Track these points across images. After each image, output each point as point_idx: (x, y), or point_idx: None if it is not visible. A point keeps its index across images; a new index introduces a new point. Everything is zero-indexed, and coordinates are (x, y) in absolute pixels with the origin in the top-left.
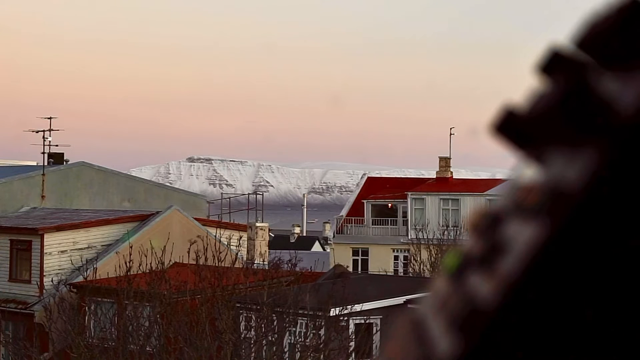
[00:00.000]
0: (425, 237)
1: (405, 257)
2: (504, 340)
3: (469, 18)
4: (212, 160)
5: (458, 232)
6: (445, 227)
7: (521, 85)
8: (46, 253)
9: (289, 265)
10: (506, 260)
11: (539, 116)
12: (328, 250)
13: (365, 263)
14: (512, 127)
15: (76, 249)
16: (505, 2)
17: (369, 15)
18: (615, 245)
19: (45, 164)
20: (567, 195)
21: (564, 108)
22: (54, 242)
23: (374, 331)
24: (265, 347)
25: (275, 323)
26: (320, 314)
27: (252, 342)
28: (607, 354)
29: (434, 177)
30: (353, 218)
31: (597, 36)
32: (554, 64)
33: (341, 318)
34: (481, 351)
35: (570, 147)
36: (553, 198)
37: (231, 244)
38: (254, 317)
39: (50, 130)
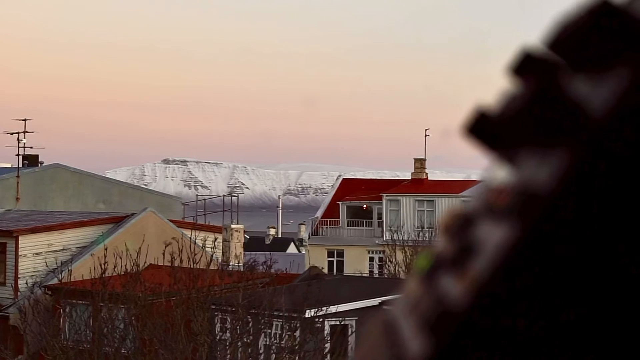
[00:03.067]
0: (400, 238)
1: (380, 259)
2: (474, 341)
3: (441, 21)
4: (187, 162)
5: (433, 234)
6: (420, 229)
7: (494, 87)
8: (21, 255)
9: (264, 267)
10: (477, 262)
11: (510, 118)
12: (303, 252)
13: (340, 264)
14: (483, 128)
15: (51, 251)
16: (478, 5)
17: (342, 20)
18: (584, 246)
19: (20, 166)
20: (537, 197)
21: (535, 110)
22: (28, 244)
23: (349, 333)
24: (240, 349)
25: (250, 325)
26: (295, 315)
27: (228, 344)
28: (578, 353)
29: (409, 178)
30: (328, 219)
31: (568, 38)
32: (526, 66)
33: (316, 319)
34: (451, 352)
35: (541, 148)
36: (523, 199)
37: (206, 245)
38: (229, 318)
39: (25, 132)
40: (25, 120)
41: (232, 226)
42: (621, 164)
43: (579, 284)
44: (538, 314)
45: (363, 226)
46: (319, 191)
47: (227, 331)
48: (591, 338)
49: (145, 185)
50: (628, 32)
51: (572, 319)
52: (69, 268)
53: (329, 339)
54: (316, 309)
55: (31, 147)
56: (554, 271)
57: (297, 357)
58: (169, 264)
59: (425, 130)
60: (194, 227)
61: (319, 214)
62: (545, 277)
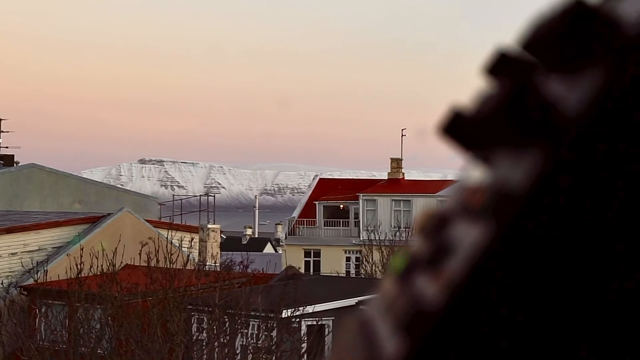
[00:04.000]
0: (377, 238)
1: (357, 259)
2: (449, 341)
3: (418, 22)
4: (164, 161)
5: (410, 233)
6: (396, 228)
7: (470, 87)
8: None
9: (241, 267)
10: (452, 262)
11: (485, 118)
12: (280, 252)
13: (317, 264)
14: (458, 128)
15: (27, 251)
16: (453, 6)
17: (319, 20)
18: (559, 246)
19: None
20: (511, 197)
21: (509, 109)
22: (4, 244)
23: (326, 333)
24: (217, 349)
25: (227, 325)
26: (272, 315)
27: (204, 344)
28: (550, 353)
29: (386, 178)
30: (305, 219)
31: (542, 37)
32: (500, 66)
33: (293, 320)
34: (426, 352)
35: (516, 148)
36: (498, 199)
37: (183, 245)
38: (205, 319)
39: (0, 132)
40: (0, 120)
41: (209, 226)
42: (596, 164)
43: (553, 284)
44: (513, 314)
45: (340, 226)
46: (296, 191)
47: (204, 331)
48: (567, 338)
49: (122, 185)
50: (602, 31)
51: (547, 319)
52: (45, 268)
53: (305, 339)
54: (293, 309)
55: (6, 147)
56: (528, 271)
57: (273, 357)
58: (146, 264)
59: (402, 130)
60: (171, 227)
61: (296, 213)
62: (519, 277)
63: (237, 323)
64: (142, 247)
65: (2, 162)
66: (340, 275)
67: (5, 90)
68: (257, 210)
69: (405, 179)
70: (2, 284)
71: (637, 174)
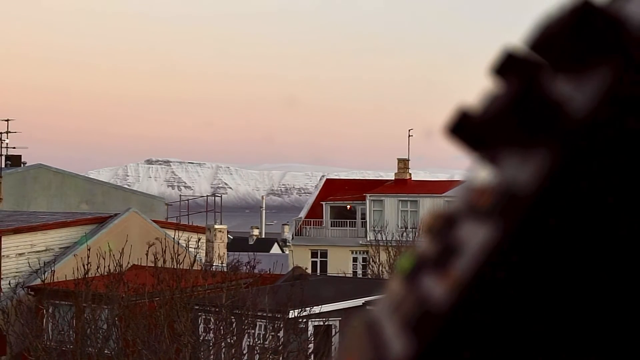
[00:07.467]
0: (384, 238)
1: (364, 259)
2: (456, 341)
3: (424, 22)
4: (171, 162)
5: (417, 234)
6: (403, 229)
7: (477, 87)
8: (4, 256)
9: (248, 267)
10: (459, 262)
11: (492, 118)
12: (287, 252)
13: (324, 265)
14: (465, 129)
15: (34, 252)
16: (461, 5)
17: (325, 22)
18: (566, 246)
19: (3, 166)
20: (518, 198)
21: (516, 110)
22: (11, 244)
23: (333, 333)
24: (224, 350)
25: (234, 325)
26: (279, 316)
27: (211, 344)
28: (557, 353)
29: (393, 178)
30: (312, 220)
31: (549, 38)
32: (508, 66)
33: (300, 320)
34: (433, 352)
35: (523, 149)
36: (505, 200)
37: (190, 246)
38: (212, 319)
39: (7, 132)
40: (8, 120)
41: (216, 226)
42: (602, 164)
43: (560, 283)
44: (520, 315)
45: (347, 226)
46: (303, 191)
47: (211, 332)
48: (573, 336)
49: (129, 185)
50: (609, 32)
51: (554, 320)
52: (52, 268)
53: (312, 339)
54: (300, 310)
55: (14, 148)
56: (535, 272)
57: (280, 358)
58: (152, 265)
59: (409, 130)
60: (177, 227)
61: (303, 214)
62: (526, 278)
63: (244, 323)
64: (149, 247)
65: (10, 162)
66: (347, 275)
67: (12, 90)
68: (263, 211)
69: (412, 179)
70: (9, 284)
71: None
